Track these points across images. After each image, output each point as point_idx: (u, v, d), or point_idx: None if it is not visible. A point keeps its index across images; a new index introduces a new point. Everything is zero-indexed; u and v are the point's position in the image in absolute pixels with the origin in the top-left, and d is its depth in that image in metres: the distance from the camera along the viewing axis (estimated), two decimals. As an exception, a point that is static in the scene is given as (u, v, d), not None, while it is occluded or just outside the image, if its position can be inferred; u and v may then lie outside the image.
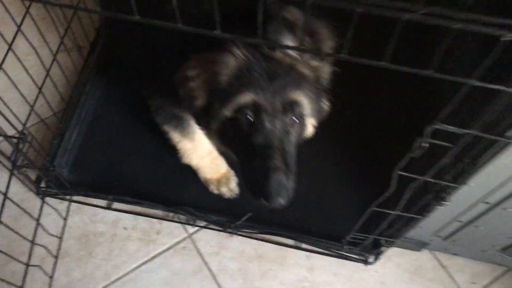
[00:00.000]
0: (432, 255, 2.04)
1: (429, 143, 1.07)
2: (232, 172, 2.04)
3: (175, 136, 1.86)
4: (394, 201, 1.44)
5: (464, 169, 1.21)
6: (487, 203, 1.51)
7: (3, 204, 1.41)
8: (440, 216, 1.65)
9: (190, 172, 2.01)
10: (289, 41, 1.31)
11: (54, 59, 1.90)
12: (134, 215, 2.04)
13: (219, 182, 2.01)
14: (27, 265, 1.55)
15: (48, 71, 1.86)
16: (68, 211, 1.99)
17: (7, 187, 1.50)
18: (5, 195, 1.42)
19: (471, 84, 0.81)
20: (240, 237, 2.01)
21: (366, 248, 1.90)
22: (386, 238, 1.74)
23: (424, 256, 2.04)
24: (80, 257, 1.97)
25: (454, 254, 2.00)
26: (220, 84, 1.32)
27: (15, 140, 1.56)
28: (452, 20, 0.72)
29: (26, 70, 1.70)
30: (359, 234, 1.77)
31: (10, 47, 1.59)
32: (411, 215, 1.47)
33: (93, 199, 2.04)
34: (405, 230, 1.62)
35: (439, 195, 1.31)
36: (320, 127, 2.14)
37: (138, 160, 2.09)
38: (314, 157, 2.10)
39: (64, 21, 1.96)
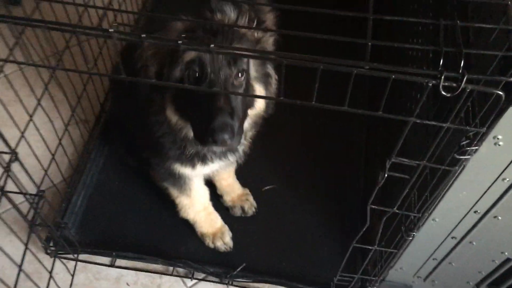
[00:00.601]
0: (416, 298, 2.18)
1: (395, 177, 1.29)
2: (226, 227, 2.22)
3: (173, 192, 2.06)
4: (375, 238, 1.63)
5: (426, 201, 1.42)
6: (454, 238, 1.70)
7: (22, 258, 1.55)
8: (417, 254, 1.83)
9: (188, 228, 2.20)
10: (231, 12, 1.47)
11: (65, 130, 2.13)
12: (136, 271, 2.17)
13: (214, 236, 2.18)
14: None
15: (60, 141, 2.09)
16: (74, 269, 2.11)
17: (27, 241, 1.65)
18: (26, 245, 1.57)
19: (411, 121, 1.04)
20: (236, 288, 2.14)
21: (353, 291, 2.05)
22: (371, 278, 1.90)
23: (408, 299, 2.17)
24: (85, 314, 2.07)
25: (436, 295, 2.15)
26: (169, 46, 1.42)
27: (32, 199, 1.73)
28: (390, 72, 0.97)
29: (43, 139, 1.93)
30: (346, 275, 1.92)
31: (31, 118, 1.83)
32: (387, 250, 1.65)
33: (97, 257, 2.17)
34: (387, 267, 1.79)
35: (408, 227, 1.50)
36: (299, 170, 2.38)
37: (139, 219, 2.28)
38: (296, 203, 2.34)
39: (74, 96, 2.22)
